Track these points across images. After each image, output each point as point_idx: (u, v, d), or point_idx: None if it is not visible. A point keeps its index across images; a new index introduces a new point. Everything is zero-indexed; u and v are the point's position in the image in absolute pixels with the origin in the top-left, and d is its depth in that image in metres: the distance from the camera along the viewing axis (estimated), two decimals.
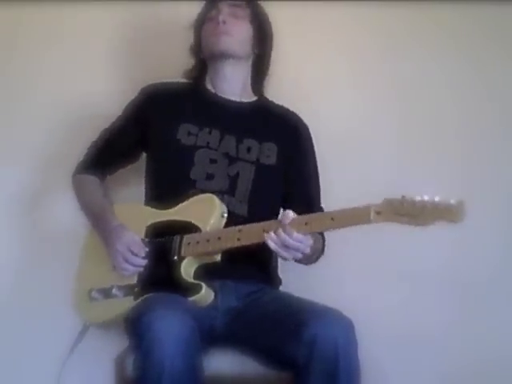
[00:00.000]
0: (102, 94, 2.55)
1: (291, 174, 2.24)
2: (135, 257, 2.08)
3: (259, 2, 2.28)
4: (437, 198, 1.78)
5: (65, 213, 2.51)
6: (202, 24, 2.27)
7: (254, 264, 2.14)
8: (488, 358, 2.50)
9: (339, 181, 2.40)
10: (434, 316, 2.52)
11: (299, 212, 1.96)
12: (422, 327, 2.51)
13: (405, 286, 2.53)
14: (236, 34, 2.19)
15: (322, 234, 2.17)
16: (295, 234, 1.91)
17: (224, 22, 2.18)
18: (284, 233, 1.91)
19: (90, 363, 2.42)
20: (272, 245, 1.92)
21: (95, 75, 2.58)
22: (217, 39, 2.19)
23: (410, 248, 2.53)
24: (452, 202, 1.77)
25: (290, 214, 1.93)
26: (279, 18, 2.39)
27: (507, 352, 2.52)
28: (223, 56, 2.21)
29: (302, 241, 1.92)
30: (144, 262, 2.08)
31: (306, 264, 2.14)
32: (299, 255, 1.94)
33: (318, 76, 2.56)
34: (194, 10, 2.31)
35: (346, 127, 2.55)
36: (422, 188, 2.43)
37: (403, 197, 1.81)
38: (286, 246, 1.92)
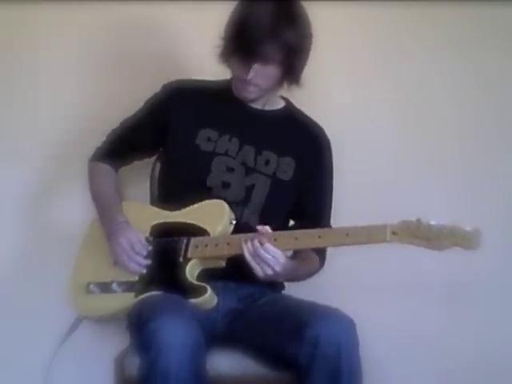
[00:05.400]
0: (108, 93, 2.55)
1: (305, 189, 2.21)
2: (137, 255, 2.07)
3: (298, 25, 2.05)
4: (453, 224, 1.80)
5: (70, 212, 2.51)
6: (231, 45, 2.07)
7: None
8: (488, 358, 2.52)
9: (337, 178, 2.38)
10: (434, 316, 2.54)
11: (305, 226, 2.01)
12: (422, 328, 2.53)
13: (405, 287, 2.54)
14: (263, 85, 2.10)
15: (322, 253, 2.21)
16: (266, 245, 1.93)
17: (252, 78, 2.06)
18: (256, 242, 1.93)
19: (90, 363, 2.41)
20: (246, 254, 1.95)
21: (99, 75, 2.58)
22: (241, 90, 2.13)
23: (410, 250, 2.53)
24: (468, 229, 1.79)
25: (267, 227, 1.96)
26: None
27: (507, 352, 2.54)
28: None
29: (274, 254, 1.94)
30: (146, 262, 2.07)
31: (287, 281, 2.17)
32: (268, 270, 1.95)
33: (317, 76, 2.54)
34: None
35: (344, 127, 2.54)
36: (421, 187, 2.47)
37: (418, 220, 1.83)
38: (257, 256, 1.94)
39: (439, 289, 2.54)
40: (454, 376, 2.51)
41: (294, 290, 2.22)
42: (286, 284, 2.25)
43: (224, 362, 2.05)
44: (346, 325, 1.91)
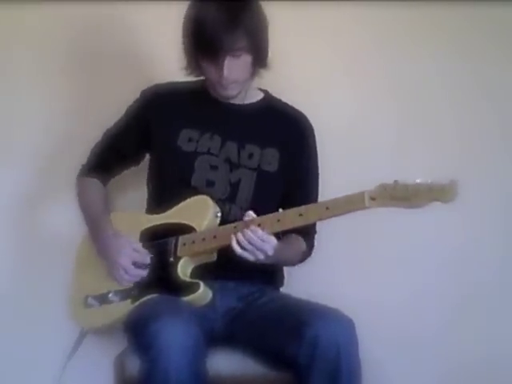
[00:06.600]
0: (102, 94, 2.55)
1: (291, 176, 2.20)
2: (139, 269, 2.08)
3: (251, 9, 2.06)
4: (429, 180, 1.80)
5: (62, 216, 2.51)
6: (196, 50, 2.08)
7: (255, 265, 2.12)
8: (489, 357, 2.51)
9: (337, 179, 2.37)
10: (434, 316, 2.54)
11: None
12: (423, 327, 2.53)
13: (405, 286, 2.54)
14: (241, 78, 2.10)
15: (309, 239, 2.20)
16: (256, 229, 1.92)
17: (229, 74, 2.06)
18: (249, 230, 1.93)
19: (90, 364, 2.41)
20: (234, 245, 1.94)
21: (94, 75, 2.58)
22: (223, 90, 2.12)
23: (411, 249, 2.54)
24: (445, 182, 1.79)
25: (250, 212, 1.96)
26: (279, 17, 2.39)
27: (508, 352, 2.53)
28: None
29: (264, 238, 1.93)
30: (146, 272, 2.09)
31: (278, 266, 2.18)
32: (261, 255, 1.94)
33: (317, 75, 2.57)
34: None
35: (344, 126, 2.55)
36: None
37: (396, 181, 1.82)
38: (249, 243, 1.93)
39: (440, 288, 2.55)
40: (455, 375, 2.50)
41: (292, 287, 2.23)
42: (285, 282, 2.26)
43: (224, 362, 2.05)
44: (345, 325, 1.91)
